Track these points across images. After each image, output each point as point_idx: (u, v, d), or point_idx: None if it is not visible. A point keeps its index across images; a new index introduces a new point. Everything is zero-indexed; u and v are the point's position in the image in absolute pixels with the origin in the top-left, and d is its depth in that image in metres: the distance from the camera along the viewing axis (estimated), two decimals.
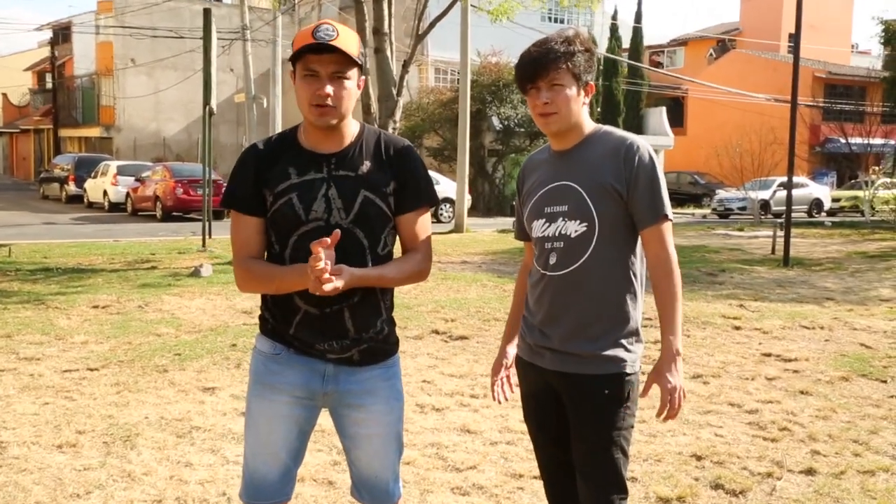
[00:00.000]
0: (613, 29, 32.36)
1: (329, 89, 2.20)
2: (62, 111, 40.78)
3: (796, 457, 4.27)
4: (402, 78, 12.72)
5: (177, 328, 7.05)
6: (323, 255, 2.09)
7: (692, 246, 15.94)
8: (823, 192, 30.31)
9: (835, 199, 30.24)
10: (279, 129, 22.38)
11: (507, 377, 2.68)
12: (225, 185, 2.39)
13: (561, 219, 2.39)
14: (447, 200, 22.90)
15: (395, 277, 2.31)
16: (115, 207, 24.95)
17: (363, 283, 2.23)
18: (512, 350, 2.67)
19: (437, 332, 7.24)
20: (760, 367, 6.20)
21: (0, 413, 4.65)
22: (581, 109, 2.39)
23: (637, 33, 33.52)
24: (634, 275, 2.39)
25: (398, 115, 12.88)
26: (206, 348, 6.31)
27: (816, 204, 29.41)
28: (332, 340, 2.27)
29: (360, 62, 2.24)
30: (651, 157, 2.34)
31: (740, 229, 20.89)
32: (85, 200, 27.33)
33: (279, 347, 2.32)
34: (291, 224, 2.26)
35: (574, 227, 2.36)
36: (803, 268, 12.61)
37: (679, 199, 33.93)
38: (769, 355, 6.56)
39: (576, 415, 2.41)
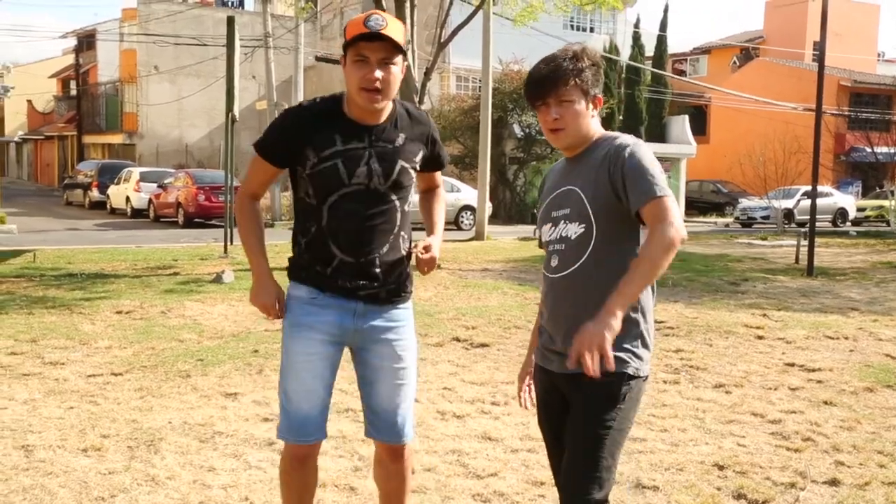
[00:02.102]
0: (636, 37, 32.27)
1: (378, 73, 2.50)
2: (86, 118, 41.31)
3: (820, 467, 4.25)
4: (423, 85, 12.78)
5: (199, 334, 7.12)
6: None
7: (715, 255, 15.86)
8: (848, 201, 30.10)
9: (860, 209, 30.01)
10: None
11: (531, 385, 2.71)
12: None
13: (563, 222, 2.44)
14: (468, 208, 22.93)
15: (443, 220, 2.91)
16: (138, 214, 25.20)
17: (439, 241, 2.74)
18: (535, 357, 2.69)
19: (457, 340, 7.27)
20: (783, 377, 6.16)
21: (27, 417, 4.72)
22: (590, 122, 2.45)
23: (661, 41, 33.42)
24: None
25: None
26: (229, 354, 6.37)
27: (841, 213, 29.20)
28: (364, 281, 2.63)
29: (405, 50, 2.55)
30: (638, 150, 2.34)
31: (763, 238, 20.76)
32: (108, 207, 27.64)
33: (315, 292, 2.65)
34: (334, 185, 2.59)
35: (574, 229, 2.40)
36: (827, 277, 12.51)
37: (702, 208, 33.79)
38: (792, 365, 6.52)
39: (571, 414, 2.40)
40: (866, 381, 6.03)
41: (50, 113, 48.74)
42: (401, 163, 2.64)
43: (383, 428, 2.75)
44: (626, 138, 2.42)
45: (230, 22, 11.73)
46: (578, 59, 2.41)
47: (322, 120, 2.60)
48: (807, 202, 23.98)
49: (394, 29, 2.49)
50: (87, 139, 41.64)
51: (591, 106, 2.43)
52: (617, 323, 2.15)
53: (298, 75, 23.83)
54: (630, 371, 2.37)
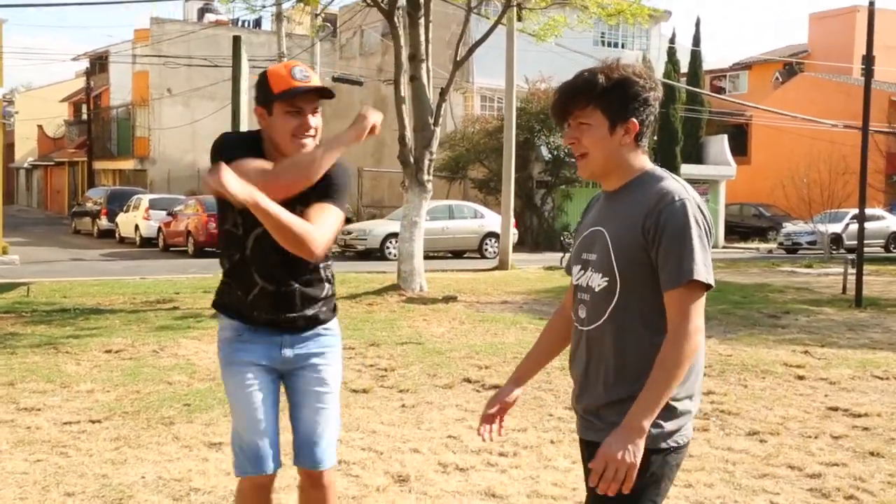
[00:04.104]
0: (671, 53, 32.07)
1: (313, 122, 2.75)
2: (97, 143, 41.80)
3: None
4: (439, 106, 12.68)
5: (190, 375, 6.97)
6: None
7: (754, 284, 15.52)
8: None
9: None
10: None
11: (500, 416, 2.56)
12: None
13: (591, 268, 2.30)
14: (492, 235, 22.76)
15: (287, 224, 2.59)
16: (147, 242, 25.31)
17: (260, 206, 2.51)
18: (516, 390, 2.56)
19: (468, 381, 7.06)
20: (825, 423, 5.87)
21: None
22: (621, 150, 2.25)
23: (695, 57, 33.21)
24: None
25: (434, 145, 12.82)
26: (218, 398, 6.19)
27: (894, 238, 28.59)
28: (283, 312, 2.84)
29: (330, 97, 2.78)
30: (685, 212, 2.15)
31: (808, 266, 20.34)
32: (116, 235, 27.82)
33: (241, 328, 2.87)
34: (253, 223, 2.71)
35: (598, 281, 2.27)
36: (877, 309, 12.14)
37: (742, 233, 33.32)
38: (836, 409, 6.22)
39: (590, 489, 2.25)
40: None
41: (61, 138, 49.43)
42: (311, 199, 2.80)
43: (304, 453, 2.90)
44: (674, 188, 2.21)
45: (236, 42, 11.70)
46: (607, 77, 2.22)
47: (245, 152, 2.74)
48: (856, 226, 23.55)
49: (316, 77, 2.77)
50: (98, 165, 42.10)
51: (620, 131, 2.22)
52: (642, 441, 2.10)
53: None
54: (649, 444, 2.16)
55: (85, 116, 43.88)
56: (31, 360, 7.45)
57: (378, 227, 22.72)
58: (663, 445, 2.20)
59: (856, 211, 22.80)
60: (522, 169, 26.32)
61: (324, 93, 2.75)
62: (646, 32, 33.17)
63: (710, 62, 40.25)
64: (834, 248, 24.90)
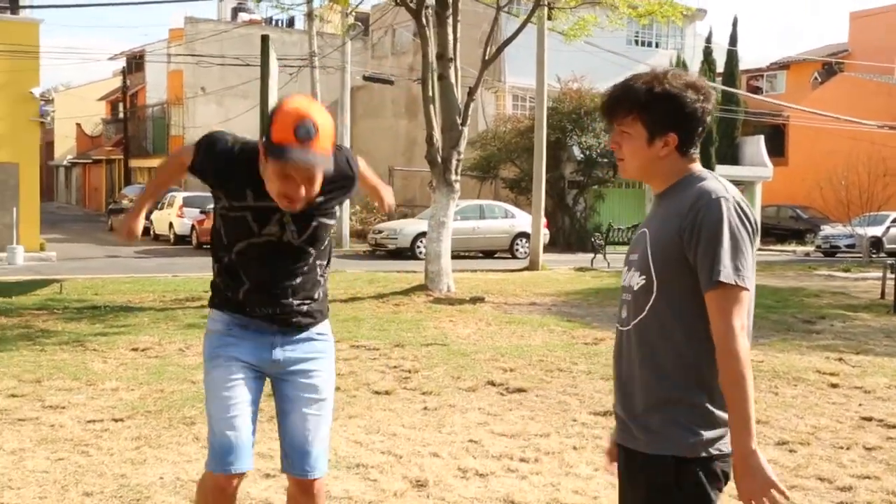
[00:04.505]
0: (707, 52, 31.68)
1: (302, 192, 2.53)
2: (133, 141, 42.29)
3: None
4: (467, 106, 12.61)
5: None
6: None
7: (789, 288, 15.26)
8: None
9: None
10: None
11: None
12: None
13: (633, 268, 2.29)
14: (523, 235, 22.65)
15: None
16: (181, 240, 25.54)
17: None
18: None
19: (492, 384, 6.99)
20: (858, 433, 5.72)
21: (10, 469, 4.59)
22: (659, 160, 2.23)
23: (732, 56, 32.79)
24: (712, 342, 2.12)
25: (462, 145, 12.76)
26: None
27: None
28: (275, 308, 2.75)
29: (331, 158, 2.56)
30: (719, 211, 2.11)
31: (846, 270, 19.98)
32: (151, 233, 28.09)
33: (231, 323, 2.79)
34: (244, 234, 2.69)
35: (637, 280, 2.25)
36: None
37: (779, 235, 32.84)
38: (870, 420, 6.07)
39: (627, 500, 2.23)
40: None
41: (98, 136, 50.08)
42: (318, 219, 2.73)
43: (295, 461, 2.83)
44: (712, 187, 2.17)
45: (264, 41, 11.74)
46: (651, 88, 2.18)
47: (238, 168, 2.64)
48: None
49: (324, 137, 2.47)
50: (134, 163, 42.58)
51: (659, 143, 2.20)
52: (760, 461, 2.03)
53: (345, 95, 23.97)
54: (682, 453, 2.11)
55: (121, 115, 44.44)
56: (59, 358, 7.52)
57: (409, 227, 22.71)
58: (703, 454, 2.13)
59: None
60: (554, 169, 26.16)
61: (319, 171, 2.52)
62: (680, 31, 32.81)
63: (747, 62, 39.66)
64: (873, 251, 24.45)
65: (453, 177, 12.82)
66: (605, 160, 27.53)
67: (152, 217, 28.05)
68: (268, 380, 2.92)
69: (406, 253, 21.57)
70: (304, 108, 2.47)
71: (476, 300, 12.38)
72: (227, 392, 2.73)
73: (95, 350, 7.88)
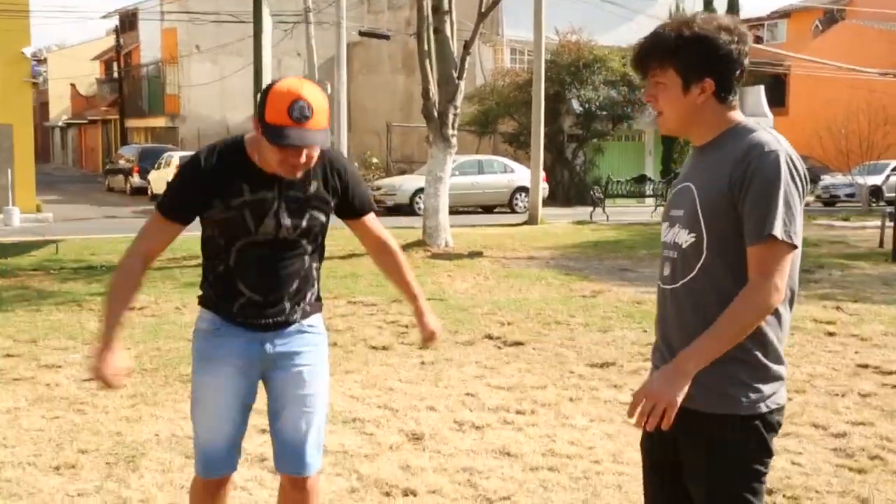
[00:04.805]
0: (707, 1, 31.28)
1: (304, 157, 2.49)
2: (129, 101, 41.95)
3: (887, 492, 3.89)
4: (462, 60, 12.47)
5: None
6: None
7: None
8: None
9: None
10: (344, 117, 22.50)
11: None
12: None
13: (677, 225, 2.21)
14: (522, 189, 22.57)
15: (415, 280, 2.96)
16: None
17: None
18: None
19: (489, 338, 7.00)
20: (854, 380, 5.74)
21: (5, 428, 4.61)
22: (699, 109, 2.16)
23: (732, 5, 32.38)
24: None
25: (459, 99, 12.64)
26: None
27: None
28: (271, 316, 2.68)
29: (328, 128, 2.53)
30: (776, 164, 2.05)
31: (846, 219, 19.92)
32: (149, 192, 28.00)
33: (219, 322, 2.69)
34: (241, 233, 2.61)
35: (685, 237, 2.17)
36: None
37: None
38: (866, 367, 6.08)
39: (686, 458, 2.20)
40: None
41: (93, 96, 49.67)
42: (310, 212, 2.66)
43: (288, 459, 2.77)
44: (766, 139, 2.10)
45: (257, 3, 11.59)
46: (680, 32, 2.11)
47: (229, 170, 2.58)
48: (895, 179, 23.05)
49: (319, 114, 2.44)
50: (130, 123, 42.29)
51: (696, 90, 2.13)
52: (687, 382, 2.03)
53: (341, 51, 23.67)
54: (742, 412, 2.09)
55: (116, 75, 44.04)
56: (55, 318, 7.52)
57: (407, 183, 22.62)
58: (763, 409, 2.12)
59: (895, 163, 22.35)
60: (553, 122, 25.97)
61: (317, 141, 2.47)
62: None
63: (747, 10, 39.27)
64: (873, 200, 24.36)
65: (450, 132, 12.72)
66: (605, 113, 27.34)
67: (149, 177, 27.96)
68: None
69: (405, 209, 21.50)
70: (296, 87, 2.44)
71: (474, 255, 12.36)
72: (212, 399, 2.69)
73: (91, 310, 7.88)
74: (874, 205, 23.70)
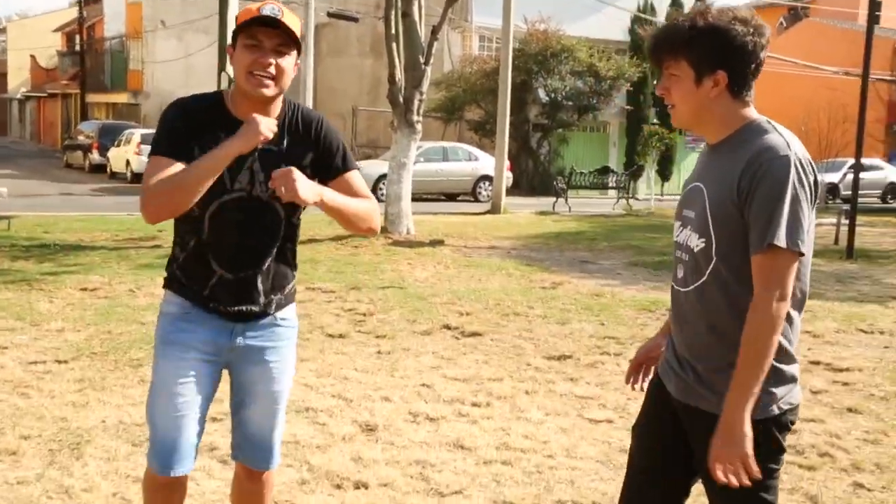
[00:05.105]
0: None
1: (272, 59, 2.42)
2: (90, 75, 41.09)
3: (835, 490, 3.92)
4: (430, 45, 12.37)
5: None
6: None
7: None
8: None
9: None
10: (310, 99, 22.29)
11: (646, 368, 2.55)
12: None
13: (689, 227, 2.21)
14: (486, 178, 22.54)
15: (354, 212, 2.56)
16: (138, 178, 24.98)
17: (327, 203, 2.44)
18: (665, 341, 2.44)
19: (447, 328, 6.96)
20: (805, 377, 5.77)
21: None
22: (712, 103, 2.12)
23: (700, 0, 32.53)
24: None
25: (425, 85, 12.54)
26: None
27: (892, 189, 28.38)
28: (243, 304, 2.53)
29: (300, 44, 2.46)
30: (784, 170, 2.01)
31: None
32: (108, 170, 27.52)
33: (188, 306, 2.54)
34: (217, 189, 2.43)
35: (695, 241, 2.17)
36: (868, 261, 12.06)
37: None
38: (817, 363, 6.14)
39: (701, 458, 2.19)
40: None
41: (54, 69, 48.66)
42: (284, 167, 2.45)
43: (249, 452, 2.71)
44: (776, 143, 2.05)
45: None
46: (694, 24, 2.08)
47: (207, 116, 2.50)
48: (852, 176, 23.31)
49: (291, 19, 2.43)
50: (91, 98, 41.45)
51: (709, 83, 2.09)
52: (745, 429, 2.01)
53: (309, 32, 23.41)
54: (755, 416, 2.08)
55: (78, 47, 43.14)
56: (2, 297, 7.32)
57: (371, 168, 22.45)
58: (776, 410, 2.13)
59: (853, 160, 22.59)
60: (519, 111, 25.96)
61: (285, 29, 2.40)
62: None
63: (716, 5, 39.43)
64: (830, 197, 24.71)
65: (415, 117, 12.62)
66: (570, 103, 27.38)
67: (109, 154, 27.46)
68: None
69: None
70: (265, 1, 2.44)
71: (435, 243, 12.31)
72: (175, 389, 2.51)
73: (42, 289, 7.70)
74: (830, 202, 24.04)
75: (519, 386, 5.43)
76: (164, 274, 2.64)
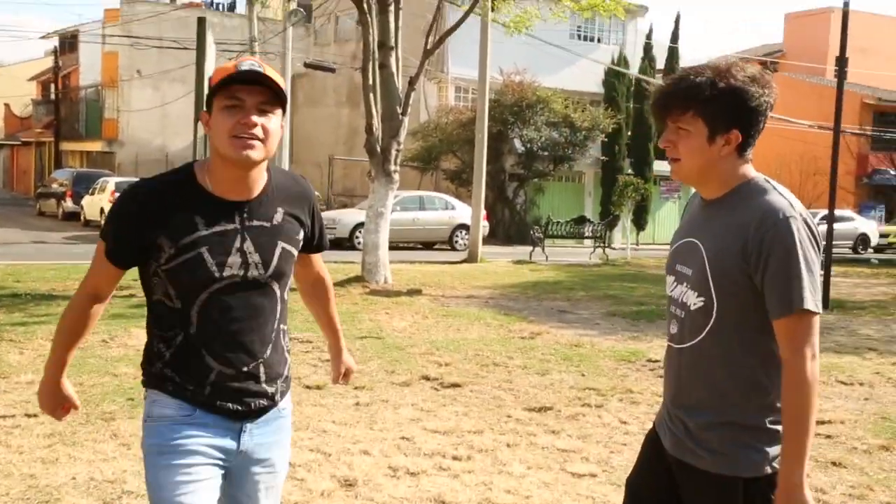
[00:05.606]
0: (647, 48, 31.96)
1: (257, 119, 2.11)
2: (65, 124, 41.06)
3: None
4: (407, 96, 12.45)
5: (137, 367, 6.69)
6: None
7: None
8: (870, 226, 29.68)
9: (883, 235, 29.60)
10: (286, 149, 22.33)
11: None
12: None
13: (685, 283, 2.18)
14: (463, 227, 22.60)
15: (339, 321, 2.71)
16: None
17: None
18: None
19: (426, 378, 6.87)
20: None
21: None
22: (719, 161, 2.10)
23: (672, 54, 33.15)
24: (775, 365, 2.07)
25: (402, 135, 12.60)
26: None
27: (862, 240, 28.78)
28: (249, 399, 2.23)
29: (286, 100, 2.18)
30: (791, 233, 2.00)
31: None
32: (82, 218, 27.31)
33: (189, 408, 2.19)
34: (201, 281, 2.15)
35: (693, 300, 2.14)
36: (843, 311, 12.13)
37: None
38: None
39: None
40: (882, 437, 5.62)
41: (28, 117, 48.53)
42: (281, 245, 2.24)
43: None
44: (779, 204, 2.04)
45: (200, 23, 11.40)
46: (714, 83, 2.04)
47: (177, 199, 2.15)
48: (825, 227, 23.59)
49: (274, 74, 2.14)
50: (66, 146, 41.36)
51: (721, 141, 2.07)
52: (801, 494, 1.98)
53: (287, 82, 23.55)
54: (745, 473, 2.06)
55: (53, 96, 43.10)
56: None
57: (347, 217, 22.46)
58: (768, 470, 2.10)
59: (825, 212, 22.89)
60: (495, 161, 26.15)
61: (269, 85, 2.11)
62: (622, 27, 33.02)
63: (687, 60, 40.21)
64: None
65: (392, 167, 12.65)
66: (546, 153, 27.62)
67: (83, 202, 27.28)
68: None
69: (345, 243, 21.32)
70: (246, 56, 2.30)
71: (413, 292, 12.24)
72: (188, 499, 2.14)
73: (12, 340, 7.53)
74: None
75: (500, 438, 5.34)
76: (141, 372, 2.29)
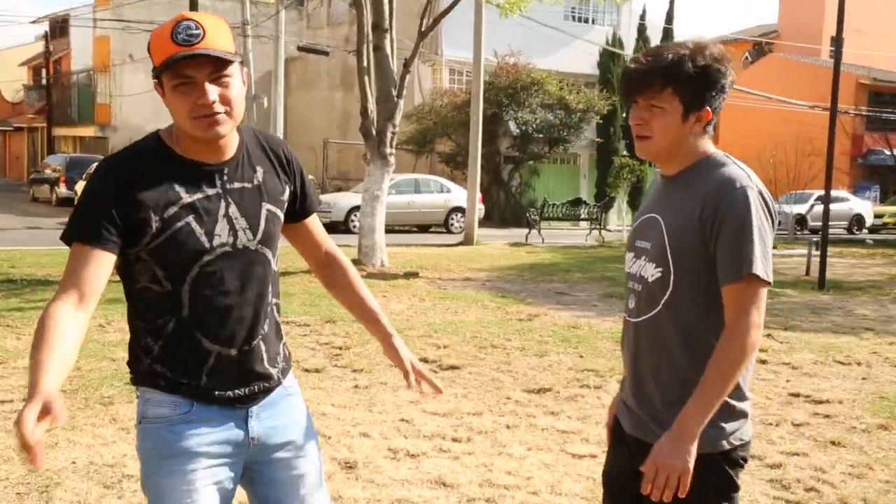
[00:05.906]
0: (641, 29, 31.87)
1: (213, 95, 1.92)
2: (57, 109, 40.83)
3: None
4: (402, 78, 12.38)
5: None
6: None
7: None
8: (865, 207, 29.75)
9: (877, 215, 29.67)
10: (281, 133, 22.23)
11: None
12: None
13: (644, 257, 2.19)
14: (458, 210, 22.57)
15: (374, 301, 2.39)
16: None
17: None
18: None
19: (425, 361, 6.85)
20: (787, 409, 5.77)
21: None
22: (687, 138, 2.12)
23: (667, 34, 33.05)
24: None
25: (398, 118, 12.54)
26: None
27: (857, 220, 28.84)
28: (251, 383, 2.07)
29: (236, 54, 1.96)
30: (746, 201, 2.02)
31: (773, 247, 20.41)
32: (75, 203, 27.22)
33: (186, 403, 2.01)
34: (191, 254, 1.97)
35: (651, 271, 2.15)
36: (840, 292, 12.15)
37: None
38: (797, 395, 6.12)
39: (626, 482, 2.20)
40: (880, 416, 5.64)
41: (20, 103, 48.26)
42: (266, 207, 2.08)
43: None
44: (736, 174, 2.06)
45: (192, 7, 11.35)
46: (685, 61, 2.06)
47: (152, 168, 1.97)
48: (820, 208, 23.62)
49: (214, 35, 1.90)
50: (58, 131, 41.16)
51: (692, 118, 2.09)
52: (694, 445, 1.99)
53: (279, 66, 23.41)
54: (702, 450, 2.03)
55: (45, 81, 42.84)
56: None
57: (343, 200, 22.41)
58: (726, 445, 2.10)
59: (821, 192, 22.94)
60: (490, 144, 26.10)
61: (215, 58, 1.90)
62: (617, 8, 32.88)
63: (679, 40, 40.15)
64: (798, 229, 25.02)
65: (388, 150, 12.61)
66: (541, 135, 27.58)
67: (76, 187, 27.16)
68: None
69: (340, 227, 21.27)
70: (179, 15, 1.94)
71: (410, 275, 12.23)
72: None
73: (9, 326, 7.51)
74: (799, 233, 24.34)
75: (499, 420, 5.35)
76: (129, 371, 2.09)
